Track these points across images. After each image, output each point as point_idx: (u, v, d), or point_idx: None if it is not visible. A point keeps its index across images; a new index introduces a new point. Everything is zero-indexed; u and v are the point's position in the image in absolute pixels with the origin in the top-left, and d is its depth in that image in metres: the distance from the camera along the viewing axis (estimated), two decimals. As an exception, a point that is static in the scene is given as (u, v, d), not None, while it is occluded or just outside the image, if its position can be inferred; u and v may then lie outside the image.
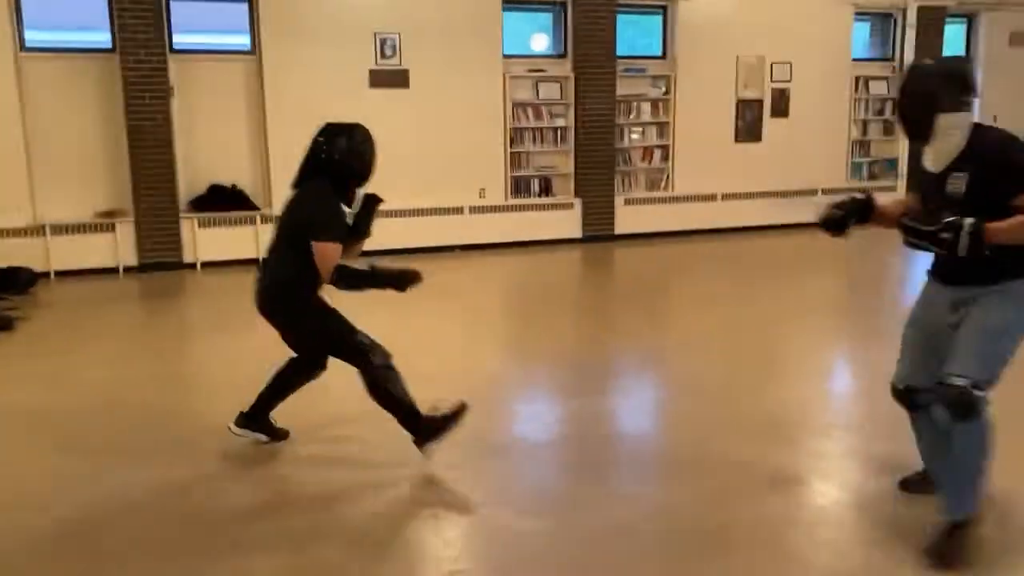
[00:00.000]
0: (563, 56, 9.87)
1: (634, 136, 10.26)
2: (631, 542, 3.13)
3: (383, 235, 10.30)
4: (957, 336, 2.84)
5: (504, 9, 9.46)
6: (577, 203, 9.89)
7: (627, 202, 10.14)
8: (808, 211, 3.57)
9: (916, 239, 2.78)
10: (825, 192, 10.86)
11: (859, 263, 8.72)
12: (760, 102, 10.60)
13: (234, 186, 8.84)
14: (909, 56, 11.09)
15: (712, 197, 10.46)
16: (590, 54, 9.66)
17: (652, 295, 7.82)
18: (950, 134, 2.79)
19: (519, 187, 9.82)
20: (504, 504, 3.45)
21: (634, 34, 10.51)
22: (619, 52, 9.84)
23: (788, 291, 7.62)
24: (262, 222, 8.70)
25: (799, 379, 5.15)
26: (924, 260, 3.05)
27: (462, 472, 3.72)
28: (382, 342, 3.68)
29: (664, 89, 10.23)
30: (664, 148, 10.32)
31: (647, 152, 10.32)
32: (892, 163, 11.37)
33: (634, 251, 9.72)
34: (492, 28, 9.39)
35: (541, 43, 10.03)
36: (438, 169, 9.20)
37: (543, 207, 9.85)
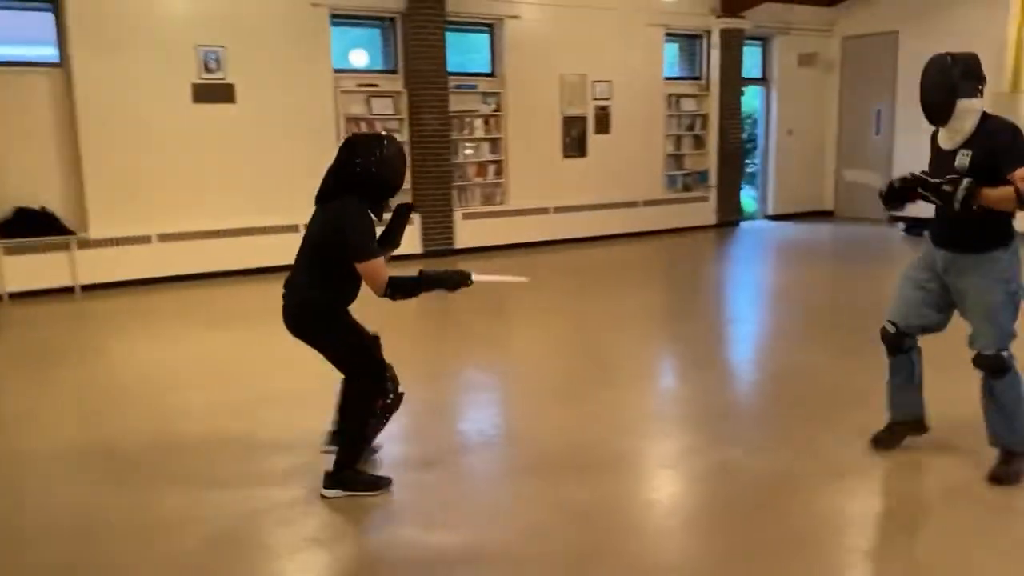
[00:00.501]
0: (394, 72, 9.85)
1: (468, 151, 10.39)
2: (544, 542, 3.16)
3: (215, 257, 9.75)
4: (967, 315, 3.48)
5: (332, 24, 9.32)
6: (416, 218, 9.87)
7: (465, 216, 10.24)
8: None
9: (923, 189, 3.32)
10: (645, 203, 11.52)
11: (671, 269, 9.28)
12: (584, 119, 11.06)
13: (43, 208, 8.10)
14: (715, 74, 11.99)
15: (545, 210, 10.77)
16: (421, 70, 9.70)
17: (489, 308, 7.92)
18: (965, 118, 3.33)
19: (356, 204, 9.66)
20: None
21: (464, 51, 10.67)
22: (450, 68, 9.94)
23: (619, 297, 7.97)
24: (79, 247, 8.04)
25: (641, 379, 5.40)
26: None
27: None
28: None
29: (495, 105, 10.44)
30: (498, 163, 10.52)
31: (481, 167, 10.48)
32: (703, 175, 12.20)
33: (474, 265, 9.79)
34: (320, 42, 9.22)
35: (361, 58, 9.98)
36: (268, 186, 8.87)
37: (382, 223, 9.71)
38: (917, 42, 11.93)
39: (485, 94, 10.42)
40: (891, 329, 3.67)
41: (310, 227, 3.53)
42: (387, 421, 3.64)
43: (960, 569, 2.89)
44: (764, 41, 12.85)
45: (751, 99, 13.21)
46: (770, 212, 13.23)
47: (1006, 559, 2.96)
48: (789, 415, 4.50)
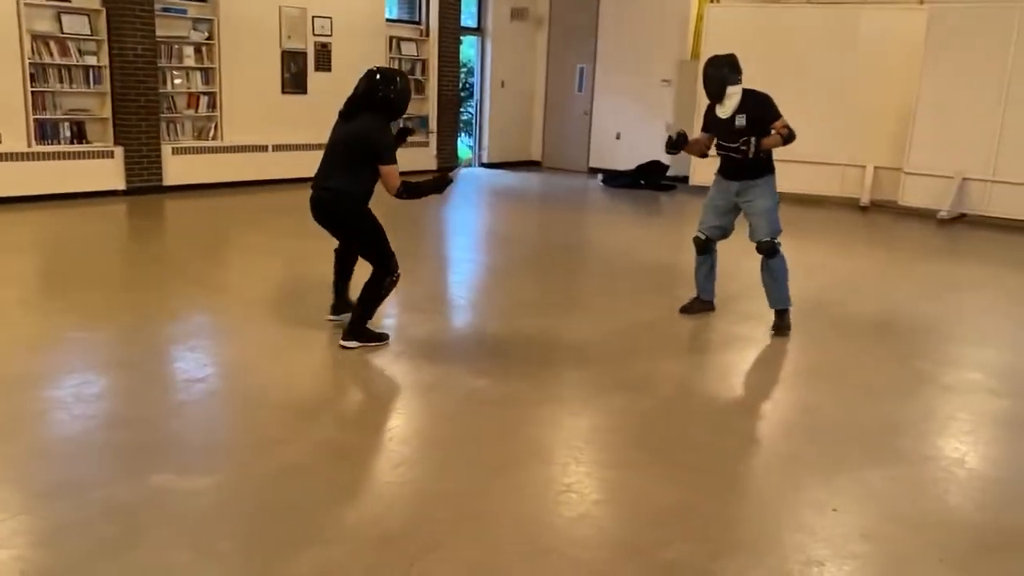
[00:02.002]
0: (90, -14, 8.84)
1: (177, 81, 9.64)
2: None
3: None
4: (752, 218, 5.08)
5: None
6: (118, 151, 9.02)
7: (175, 151, 9.54)
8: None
9: (727, 151, 5.01)
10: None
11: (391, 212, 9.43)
12: (304, 54, 10.71)
13: None
14: (434, 21, 12.13)
15: (263, 148, 10.35)
16: (123, -13, 8.79)
17: (208, 249, 7.55)
18: (733, 96, 4.98)
19: (45, 132, 8.61)
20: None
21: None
22: (155, -11, 9.12)
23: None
24: None
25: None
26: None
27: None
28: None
29: (207, 34, 9.76)
30: (211, 96, 9.88)
31: (193, 99, 9.78)
32: (424, 121, 12.39)
33: (186, 204, 9.22)
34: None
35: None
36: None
37: (77, 155, 8.78)
38: (615, 6, 13.01)
39: (196, 20, 9.69)
40: (701, 237, 5.31)
41: (336, 138, 4.48)
42: (388, 294, 4.61)
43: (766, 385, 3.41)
44: (480, -8, 13.24)
45: (468, 48, 13.57)
46: (484, 160, 13.79)
47: (831, 349, 3.71)
48: (519, 349, 4.86)
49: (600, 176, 12.64)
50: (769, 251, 5.07)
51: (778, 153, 5.09)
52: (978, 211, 9.76)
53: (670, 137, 5.10)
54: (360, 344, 4.58)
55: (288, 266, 6.70)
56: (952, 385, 4.52)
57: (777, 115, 4.91)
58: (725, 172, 5.17)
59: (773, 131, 4.87)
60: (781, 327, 5.19)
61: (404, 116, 4.69)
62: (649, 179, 12.00)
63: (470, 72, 14.01)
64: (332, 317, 4.93)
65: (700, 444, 3.62)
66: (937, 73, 9.70)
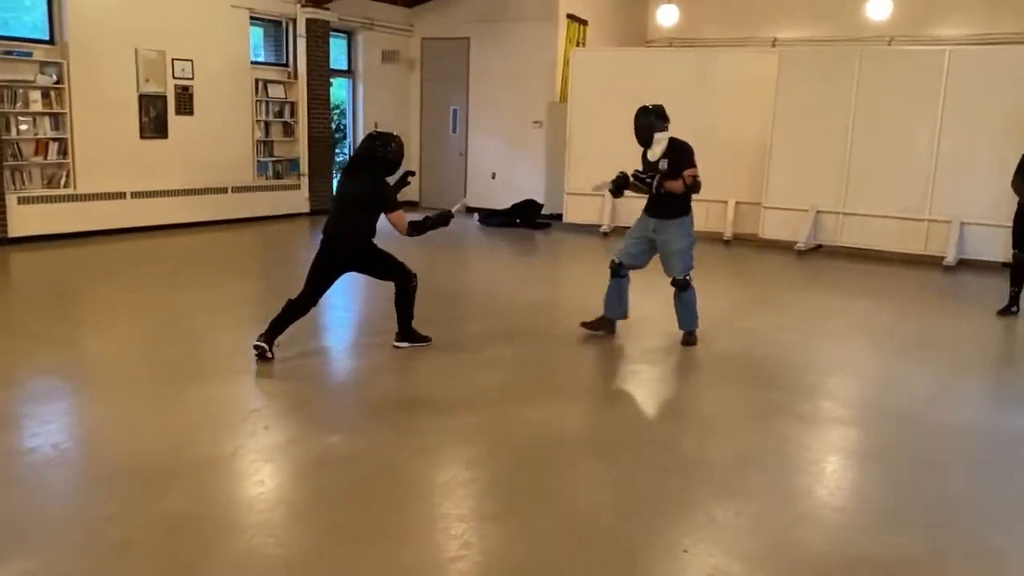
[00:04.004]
0: (-80, 28, 8.28)
1: (23, 127, 9.11)
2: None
3: None
4: (668, 257, 5.64)
5: None
6: (-44, 203, 8.43)
7: (21, 201, 8.98)
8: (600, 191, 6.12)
9: (638, 183, 5.57)
10: (235, 190, 11.16)
11: (264, 256, 9.19)
12: (164, 98, 10.34)
13: None
14: (302, 63, 11.97)
15: (121, 195, 9.88)
16: (-42, 29, 8.28)
17: (56, 305, 7.11)
18: (661, 141, 5.57)
19: None
20: None
21: (10, 13, 9.33)
22: (-4, 31, 8.64)
23: (208, 286, 7.67)
24: None
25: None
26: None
27: None
28: None
29: (56, 78, 9.28)
30: (61, 141, 9.38)
31: (41, 145, 9.26)
32: (295, 164, 12.16)
33: (34, 256, 8.67)
34: None
35: None
36: None
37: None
38: (485, 50, 13.18)
39: (44, 63, 9.22)
40: (617, 261, 5.80)
41: (344, 192, 5.35)
42: (415, 294, 5.46)
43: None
44: (349, 35, 13.15)
45: (339, 90, 13.44)
46: (359, 201, 13.60)
47: (692, 384, 3.82)
48: (380, 400, 4.74)
49: (477, 215, 12.69)
50: (682, 286, 5.67)
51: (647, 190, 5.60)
52: (832, 242, 10.29)
53: (613, 182, 5.65)
54: (411, 344, 5.51)
55: (139, 320, 6.35)
56: (804, 415, 4.68)
57: (690, 164, 5.49)
58: (647, 208, 5.72)
59: (681, 177, 5.43)
60: (690, 341, 5.83)
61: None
62: (525, 217, 12.12)
63: (343, 114, 13.87)
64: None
65: (557, 492, 3.59)
66: (789, 112, 10.23)
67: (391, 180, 5.37)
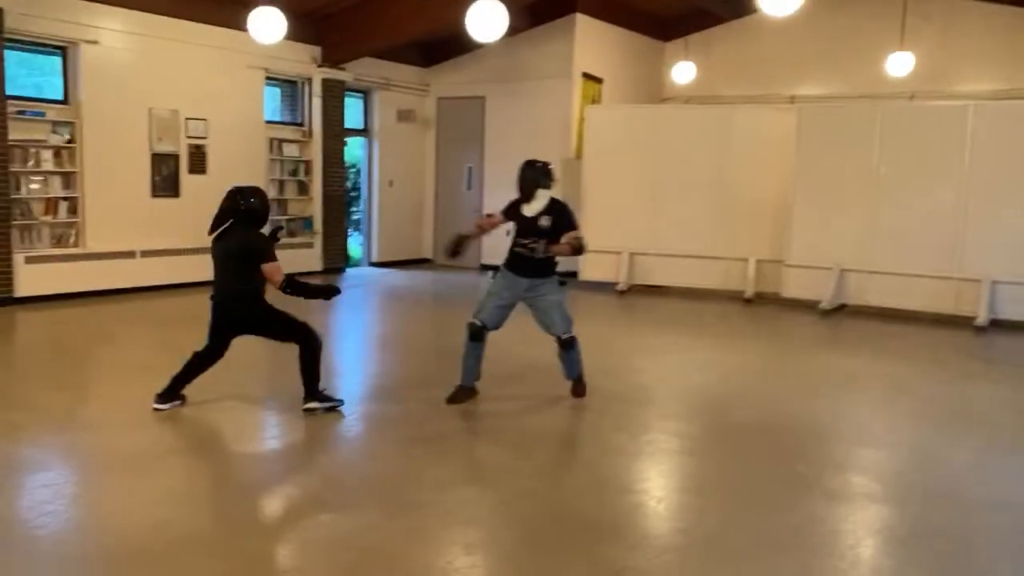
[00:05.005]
0: (-66, 89, 8.30)
1: (34, 186, 9.06)
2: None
3: None
4: (548, 314, 5.48)
5: None
6: (-40, 263, 8.33)
7: (29, 260, 8.88)
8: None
9: (522, 249, 5.38)
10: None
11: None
12: (177, 156, 10.30)
13: None
14: (318, 122, 11.96)
15: (131, 254, 9.77)
16: (-28, 90, 8.27)
17: (67, 366, 6.91)
18: (542, 198, 5.43)
19: None
20: None
21: (30, 74, 9.37)
22: (10, 92, 8.63)
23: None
24: None
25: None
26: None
27: None
28: None
29: (68, 137, 9.26)
30: (72, 200, 9.31)
31: (51, 204, 9.19)
32: (308, 222, 12.05)
33: (42, 315, 8.52)
34: None
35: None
36: None
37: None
38: (501, 108, 13.14)
39: (56, 123, 9.21)
40: (478, 324, 5.48)
41: (220, 249, 5.07)
42: (320, 354, 5.20)
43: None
44: (365, 94, 13.17)
45: (354, 149, 13.42)
46: (374, 259, 13.48)
47: (712, 455, 3.36)
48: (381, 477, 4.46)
49: (491, 273, 12.45)
50: (567, 344, 5.56)
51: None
52: (857, 301, 9.95)
53: (448, 245, 5.51)
54: (320, 404, 5.21)
55: (128, 383, 6.11)
56: (834, 491, 4.33)
57: (574, 225, 5.40)
58: (516, 269, 5.50)
59: (564, 240, 5.24)
60: (581, 389, 5.73)
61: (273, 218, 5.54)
62: (540, 276, 11.88)
63: (358, 172, 13.83)
64: (160, 405, 5.17)
65: (565, 579, 3.27)
66: (810, 169, 10.00)
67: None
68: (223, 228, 5.09)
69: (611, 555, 3.52)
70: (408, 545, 3.53)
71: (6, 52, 8.53)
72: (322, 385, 5.33)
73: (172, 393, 5.21)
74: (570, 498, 4.16)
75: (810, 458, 4.82)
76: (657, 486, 4.45)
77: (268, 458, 4.83)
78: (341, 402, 5.35)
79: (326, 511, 3.93)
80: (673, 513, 4.05)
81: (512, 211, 5.52)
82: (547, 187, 5.45)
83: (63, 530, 3.67)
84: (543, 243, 5.30)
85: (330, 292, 5.33)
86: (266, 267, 5.00)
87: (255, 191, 5.20)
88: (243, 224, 5.06)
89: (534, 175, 5.46)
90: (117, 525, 3.68)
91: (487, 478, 4.38)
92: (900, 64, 11.48)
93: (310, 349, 5.16)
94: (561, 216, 5.38)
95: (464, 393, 5.58)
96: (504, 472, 4.46)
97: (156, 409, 5.15)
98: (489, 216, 5.67)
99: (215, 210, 5.11)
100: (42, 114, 9.09)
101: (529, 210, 5.44)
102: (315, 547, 3.56)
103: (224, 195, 5.14)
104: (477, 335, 5.49)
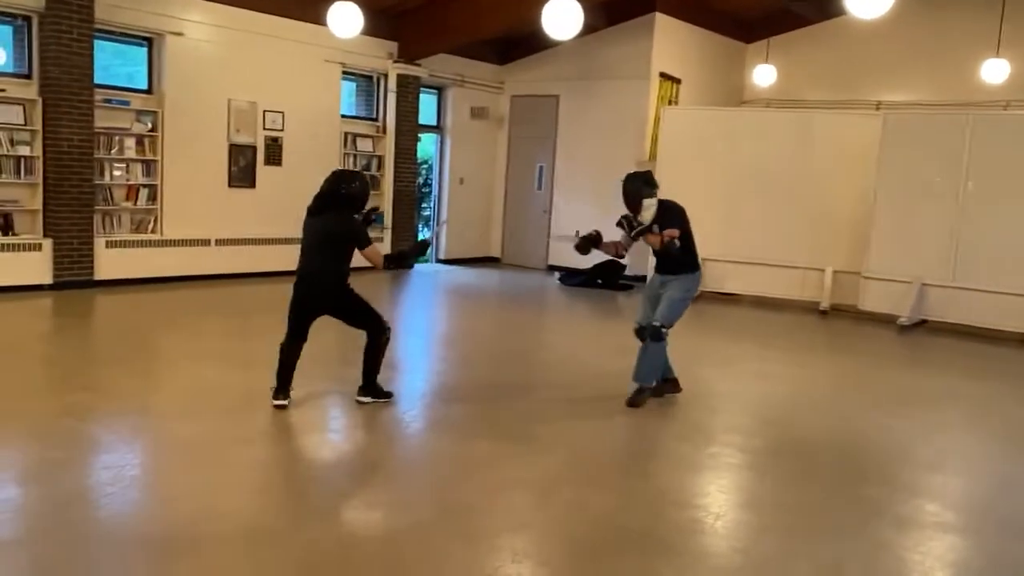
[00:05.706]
0: (28, 77, 8.61)
1: (117, 173, 9.35)
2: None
3: None
4: (660, 303, 5.56)
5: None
6: (47, 244, 8.64)
7: (109, 244, 9.16)
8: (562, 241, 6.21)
9: (625, 228, 5.69)
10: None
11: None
12: (254, 148, 10.50)
13: None
14: (392, 118, 12.04)
15: (206, 242, 10.00)
16: (61, 79, 8.56)
17: (140, 350, 7.09)
18: (650, 208, 5.52)
19: (-31, 223, 8.22)
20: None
21: (116, 63, 9.66)
22: (97, 80, 8.91)
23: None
24: None
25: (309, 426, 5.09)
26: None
27: None
28: None
29: (150, 125, 9.53)
30: (152, 187, 9.58)
31: (132, 191, 9.47)
32: (380, 216, 12.13)
33: (119, 299, 8.79)
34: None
35: (-3, 57, 8.63)
36: None
37: (2, 247, 8.39)
38: (574, 107, 13.02)
39: (140, 112, 9.48)
40: (642, 325, 5.66)
41: (313, 231, 5.12)
42: (386, 348, 5.35)
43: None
44: (440, 90, 13.21)
45: (427, 145, 13.48)
46: (442, 256, 13.52)
47: (776, 474, 3.21)
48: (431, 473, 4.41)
49: (558, 275, 12.38)
50: (654, 334, 5.51)
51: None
52: (938, 317, 9.53)
53: (582, 237, 5.60)
54: (373, 399, 5.35)
55: (200, 370, 6.23)
56: (904, 517, 4.11)
57: (673, 224, 5.44)
58: (656, 267, 5.80)
59: (666, 233, 5.38)
60: (638, 402, 5.62)
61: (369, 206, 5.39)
62: (606, 278, 11.75)
63: (430, 168, 13.89)
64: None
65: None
66: (893, 178, 9.61)
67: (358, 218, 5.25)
68: (316, 207, 5.14)
69: (663, 573, 3.40)
70: (457, 547, 3.48)
71: (95, 42, 8.81)
72: (380, 378, 5.37)
73: (283, 391, 5.21)
74: (625, 510, 4.05)
75: (880, 481, 4.59)
76: (716, 502, 4.29)
77: (328, 451, 4.84)
78: (391, 395, 5.45)
79: (380, 507, 3.92)
80: (731, 532, 3.89)
81: (627, 226, 5.67)
82: (651, 195, 5.49)
83: (121, 512, 3.73)
84: (638, 229, 5.56)
85: (423, 248, 5.88)
86: (366, 252, 5.13)
87: (356, 175, 5.28)
88: (340, 208, 5.10)
89: (635, 187, 5.50)
90: (174, 511, 3.72)
91: (542, 485, 4.29)
92: (995, 71, 10.95)
93: (379, 340, 5.26)
94: (665, 216, 5.49)
95: (666, 386, 5.82)
96: (559, 480, 4.37)
97: (277, 406, 5.18)
98: (616, 243, 5.73)
99: (291, 202, 5.28)
100: (127, 103, 9.37)
101: (644, 217, 5.56)
102: (365, 543, 3.54)
103: (326, 177, 5.19)
104: (640, 335, 5.67)
